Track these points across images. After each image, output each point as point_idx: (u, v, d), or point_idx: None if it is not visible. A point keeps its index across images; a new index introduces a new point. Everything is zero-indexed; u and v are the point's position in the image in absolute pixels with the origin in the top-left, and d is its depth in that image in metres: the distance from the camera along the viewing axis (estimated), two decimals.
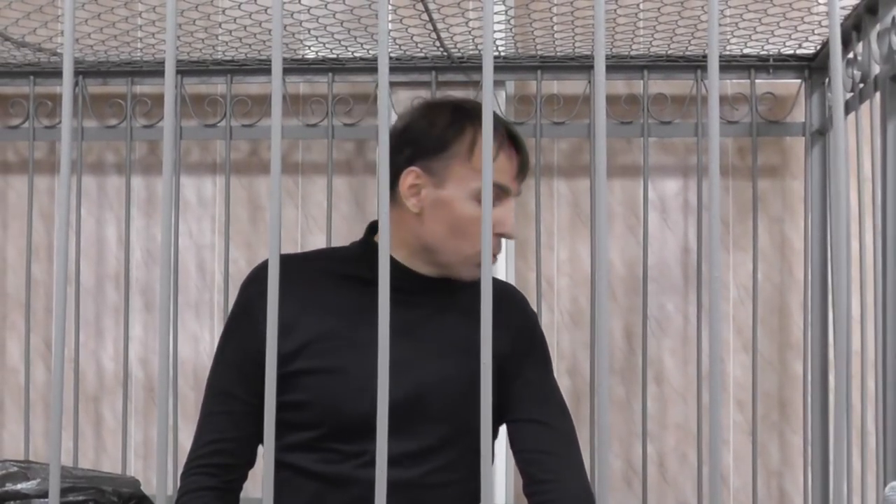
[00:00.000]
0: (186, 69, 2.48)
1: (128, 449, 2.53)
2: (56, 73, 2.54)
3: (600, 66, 0.78)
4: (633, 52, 2.36)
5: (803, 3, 2.05)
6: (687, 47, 2.30)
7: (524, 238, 2.45)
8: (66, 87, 0.85)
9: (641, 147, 2.44)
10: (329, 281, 1.47)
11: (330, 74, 2.48)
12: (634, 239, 2.48)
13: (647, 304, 2.40)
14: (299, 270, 1.47)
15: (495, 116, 1.45)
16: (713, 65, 0.78)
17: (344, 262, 1.50)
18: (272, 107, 0.80)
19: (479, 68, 2.41)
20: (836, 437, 0.83)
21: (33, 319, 2.57)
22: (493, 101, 1.23)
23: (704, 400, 2.38)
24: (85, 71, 2.52)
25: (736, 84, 2.46)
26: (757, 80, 2.41)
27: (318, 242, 2.53)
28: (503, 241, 1.50)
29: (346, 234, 2.50)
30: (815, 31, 2.17)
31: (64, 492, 1.45)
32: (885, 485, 1.77)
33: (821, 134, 2.37)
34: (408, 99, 2.47)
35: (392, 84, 2.44)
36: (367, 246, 1.49)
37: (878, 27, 1.88)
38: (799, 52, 2.34)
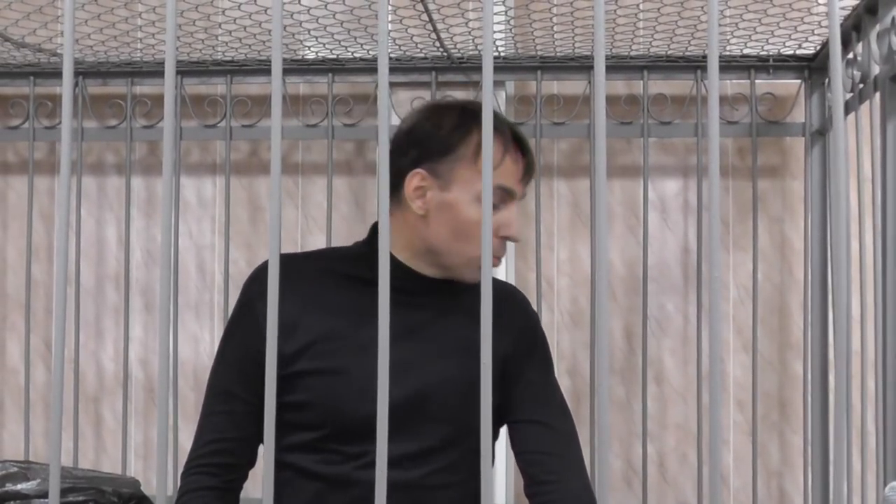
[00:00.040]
0: (186, 70, 2.48)
1: (128, 449, 2.53)
2: (56, 74, 2.54)
3: (600, 66, 0.78)
4: (632, 53, 2.36)
5: (803, 4, 2.05)
6: (687, 48, 2.30)
7: (524, 238, 2.45)
8: (66, 88, 0.85)
9: (641, 147, 2.44)
10: (331, 280, 1.47)
11: (330, 75, 2.48)
12: (634, 239, 2.48)
13: (647, 304, 2.40)
14: (302, 270, 1.47)
15: (502, 119, 1.45)
16: (713, 65, 0.78)
17: (346, 261, 1.50)
18: (272, 107, 0.80)
19: (478, 69, 2.42)
20: (836, 437, 0.83)
21: (33, 320, 2.57)
22: (493, 101, 1.23)
23: (704, 400, 2.38)
24: (85, 71, 2.52)
25: (736, 84, 2.46)
26: (757, 81, 2.41)
27: (317, 243, 2.53)
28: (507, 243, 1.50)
29: (346, 235, 2.50)
30: (815, 32, 2.17)
31: (64, 492, 1.45)
32: (885, 485, 1.77)
33: (821, 134, 2.37)
34: (408, 99, 2.47)
35: (392, 84, 2.44)
36: (370, 246, 1.49)
37: (877, 27, 1.89)
38: (799, 52, 2.34)
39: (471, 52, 2.38)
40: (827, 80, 2.37)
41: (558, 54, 2.38)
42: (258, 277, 1.49)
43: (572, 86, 2.48)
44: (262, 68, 2.48)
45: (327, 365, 1.41)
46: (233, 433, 1.46)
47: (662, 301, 2.47)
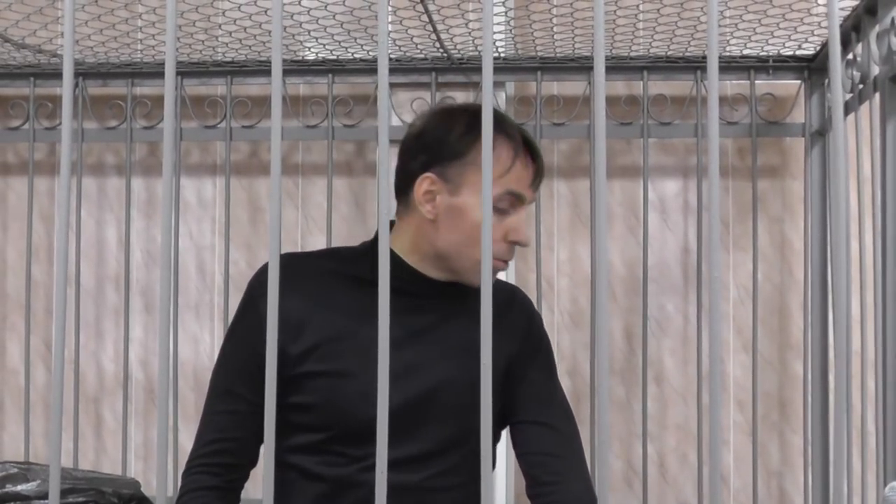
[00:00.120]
0: (186, 70, 2.48)
1: (128, 450, 2.53)
2: (56, 75, 2.54)
3: (600, 67, 0.78)
4: (632, 53, 2.36)
5: (803, 4, 2.05)
6: (686, 48, 2.31)
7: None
8: (66, 89, 0.85)
9: (641, 148, 2.44)
10: (337, 281, 1.47)
11: (330, 75, 2.48)
12: (634, 239, 2.48)
13: (647, 305, 2.40)
14: (308, 268, 1.47)
15: (513, 124, 1.45)
16: (713, 66, 0.79)
17: (351, 262, 1.49)
18: (272, 108, 0.80)
19: (478, 69, 2.42)
20: (836, 437, 0.83)
21: (33, 321, 2.58)
22: (494, 102, 1.23)
23: (704, 400, 2.38)
24: (85, 72, 2.52)
25: (736, 85, 2.46)
26: (756, 81, 2.41)
27: (317, 243, 2.53)
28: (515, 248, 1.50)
29: (346, 236, 2.50)
30: (815, 32, 2.17)
31: (64, 493, 1.45)
32: (885, 485, 1.77)
33: (820, 134, 2.37)
34: (408, 100, 2.47)
35: (392, 85, 2.44)
36: (375, 247, 1.49)
37: (877, 28, 1.89)
38: (798, 52, 2.34)
39: (471, 53, 2.38)
40: (827, 81, 2.37)
41: (558, 55, 2.39)
42: (262, 277, 1.49)
43: (572, 86, 2.48)
44: (262, 69, 2.49)
45: (333, 367, 1.41)
46: (234, 433, 1.45)
47: (662, 301, 2.47)
